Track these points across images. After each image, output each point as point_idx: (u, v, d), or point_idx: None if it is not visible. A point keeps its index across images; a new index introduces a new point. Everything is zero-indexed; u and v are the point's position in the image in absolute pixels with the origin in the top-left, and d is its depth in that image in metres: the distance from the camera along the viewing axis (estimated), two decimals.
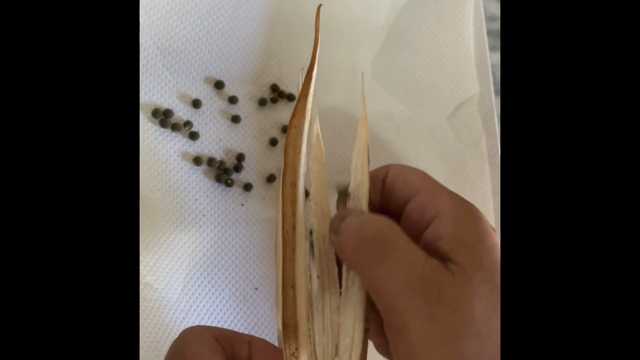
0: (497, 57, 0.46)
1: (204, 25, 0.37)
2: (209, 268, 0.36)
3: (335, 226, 0.24)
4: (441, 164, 0.41)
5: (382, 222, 0.23)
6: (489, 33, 0.42)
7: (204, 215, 0.36)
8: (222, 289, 0.36)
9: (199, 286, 0.35)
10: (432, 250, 0.22)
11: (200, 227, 0.36)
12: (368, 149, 0.26)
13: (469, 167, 0.41)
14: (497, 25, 0.49)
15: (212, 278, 0.36)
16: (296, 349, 0.24)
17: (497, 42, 0.47)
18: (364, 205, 0.25)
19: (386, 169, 0.25)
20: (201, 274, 0.35)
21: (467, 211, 0.22)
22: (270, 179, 0.38)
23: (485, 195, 0.40)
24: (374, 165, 0.26)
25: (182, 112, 0.37)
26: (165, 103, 0.37)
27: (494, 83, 0.42)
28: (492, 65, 0.42)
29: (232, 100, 0.38)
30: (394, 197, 0.24)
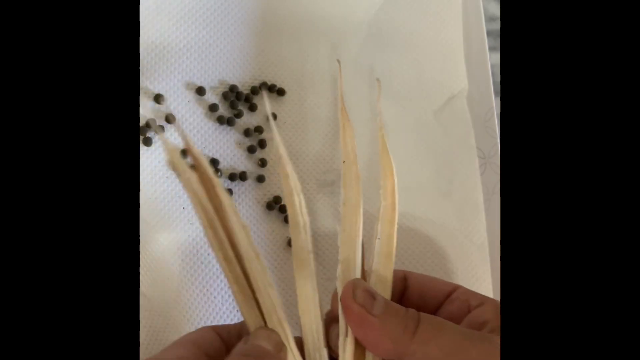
0: (497, 57, 0.46)
1: (184, 30, 0.37)
2: (203, 271, 0.35)
3: (367, 303, 0.25)
4: (429, 159, 0.40)
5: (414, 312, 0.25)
6: (489, 33, 0.42)
7: (192, 223, 0.36)
8: (216, 292, 0.35)
9: (192, 288, 0.34)
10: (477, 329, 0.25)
11: (191, 228, 0.35)
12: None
13: (457, 160, 0.40)
14: (497, 25, 0.49)
15: (203, 279, 0.35)
16: None
17: (497, 42, 0.47)
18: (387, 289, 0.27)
19: (402, 274, 0.29)
20: (192, 276, 0.35)
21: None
22: (260, 179, 0.38)
23: (475, 188, 0.39)
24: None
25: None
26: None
27: (494, 83, 0.41)
28: (492, 65, 0.41)
29: (213, 108, 0.37)
30: (428, 298, 0.28)
